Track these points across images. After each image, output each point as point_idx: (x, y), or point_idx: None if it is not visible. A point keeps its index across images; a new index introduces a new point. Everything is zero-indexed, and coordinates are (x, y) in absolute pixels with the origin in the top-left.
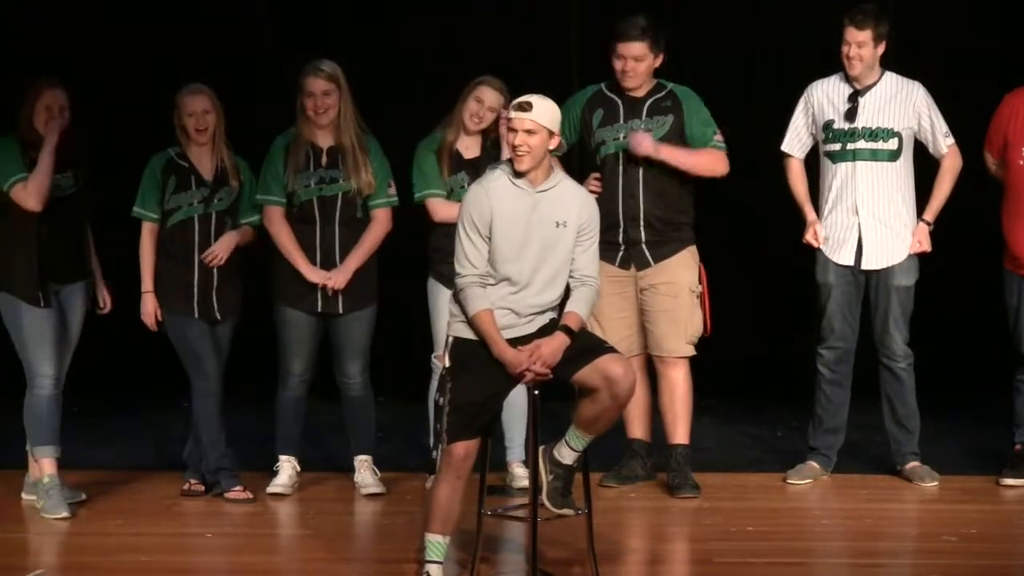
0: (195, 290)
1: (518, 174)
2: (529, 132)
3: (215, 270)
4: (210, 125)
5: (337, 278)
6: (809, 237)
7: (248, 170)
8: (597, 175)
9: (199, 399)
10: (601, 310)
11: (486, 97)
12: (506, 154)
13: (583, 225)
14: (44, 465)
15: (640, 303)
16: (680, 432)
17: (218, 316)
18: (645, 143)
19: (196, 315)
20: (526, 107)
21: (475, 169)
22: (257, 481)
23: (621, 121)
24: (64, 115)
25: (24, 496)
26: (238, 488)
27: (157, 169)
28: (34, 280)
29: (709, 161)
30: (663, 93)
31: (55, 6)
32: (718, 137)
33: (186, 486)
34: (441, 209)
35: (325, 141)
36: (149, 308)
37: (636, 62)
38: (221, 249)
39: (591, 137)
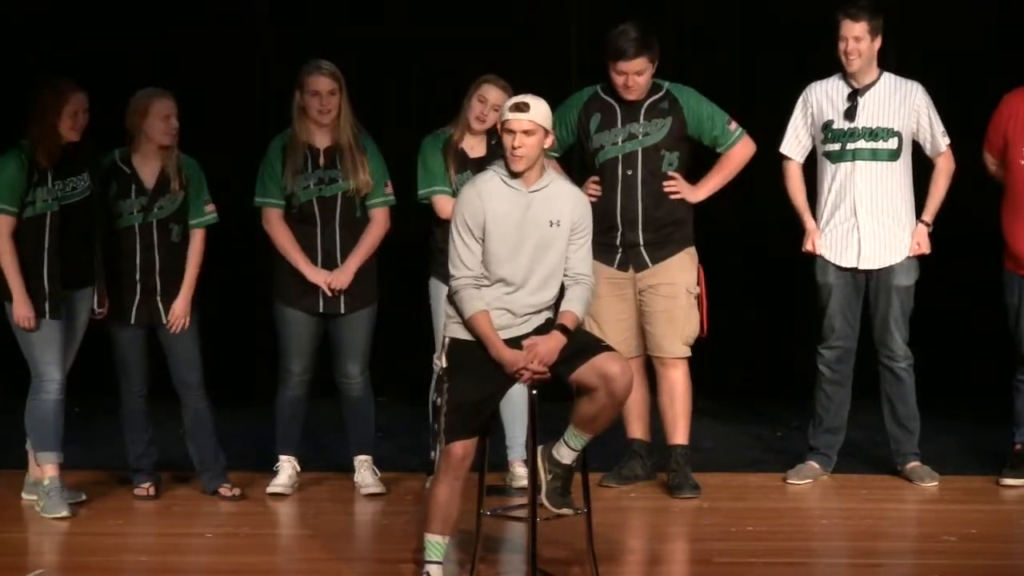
0: (136, 297)
1: (513, 174)
2: (527, 133)
3: (158, 278)
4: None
5: (339, 279)
6: (808, 247)
7: (198, 169)
8: (596, 179)
9: (124, 398)
10: (600, 313)
11: (490, 96)
12: None
13: (576, 223)
14: (46, 469)
15: (639, 304)
16: (680, 432)
17: (164, 320)
18: (688, 198)
19: (132, 321)
20: (523, 108)
21: (480, 168)
22: (257, 481)
23: (619, 125)
24: (84, 118)
25: (24, 496)
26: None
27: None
28: (43, 294)
29: (738, 159)
30: (660, 94)
31: (54, 6)
32: (732, 126)
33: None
34: (448, 207)
35: (323, 141)
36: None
37: (638, 76)
38: (179, 314)
39: (588, 142)
